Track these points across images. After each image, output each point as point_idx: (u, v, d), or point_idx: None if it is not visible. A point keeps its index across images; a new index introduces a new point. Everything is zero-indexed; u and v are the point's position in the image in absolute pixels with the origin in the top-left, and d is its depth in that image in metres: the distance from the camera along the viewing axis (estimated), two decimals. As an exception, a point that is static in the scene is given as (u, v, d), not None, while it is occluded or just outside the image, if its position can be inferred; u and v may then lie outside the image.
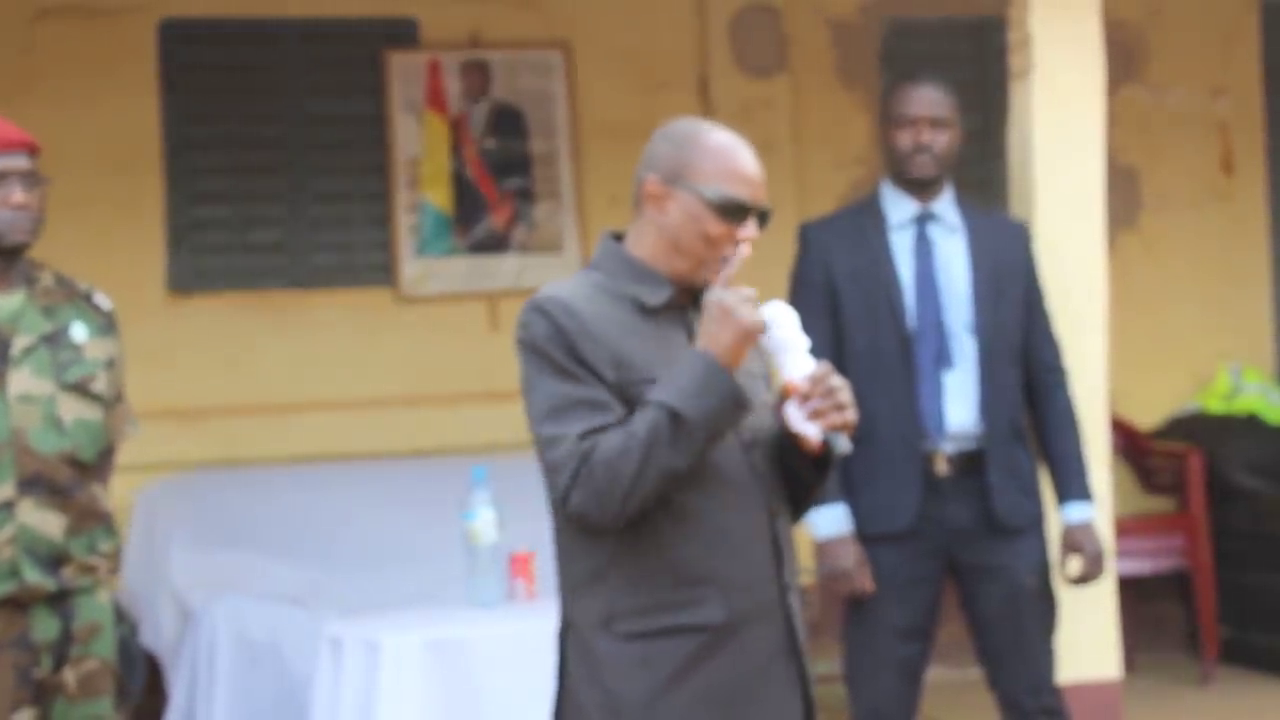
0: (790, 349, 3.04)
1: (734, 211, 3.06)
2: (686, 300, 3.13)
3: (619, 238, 3.17)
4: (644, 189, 3.11)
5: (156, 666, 6.44)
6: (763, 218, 3.10)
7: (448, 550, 5.65)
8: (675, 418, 2.91)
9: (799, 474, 3.15)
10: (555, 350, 2.98)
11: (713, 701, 3.01)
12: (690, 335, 3.09)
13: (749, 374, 3.10)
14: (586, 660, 3.04)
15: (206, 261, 7.33)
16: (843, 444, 3.02)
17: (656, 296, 3.08)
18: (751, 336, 2.98)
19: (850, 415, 3.01)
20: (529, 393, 3.02)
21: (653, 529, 2.99)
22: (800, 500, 3.20)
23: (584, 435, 2.94)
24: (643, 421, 2.93)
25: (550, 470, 2.98)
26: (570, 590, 3.08)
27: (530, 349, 3.01)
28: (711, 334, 2.97)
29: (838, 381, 3.01)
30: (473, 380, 7.43)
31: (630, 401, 2.98)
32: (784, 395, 3.06)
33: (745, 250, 3.07)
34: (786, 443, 3.11)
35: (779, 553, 3.10)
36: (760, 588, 3.07)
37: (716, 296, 2.99)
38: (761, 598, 3.07)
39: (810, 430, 3.03)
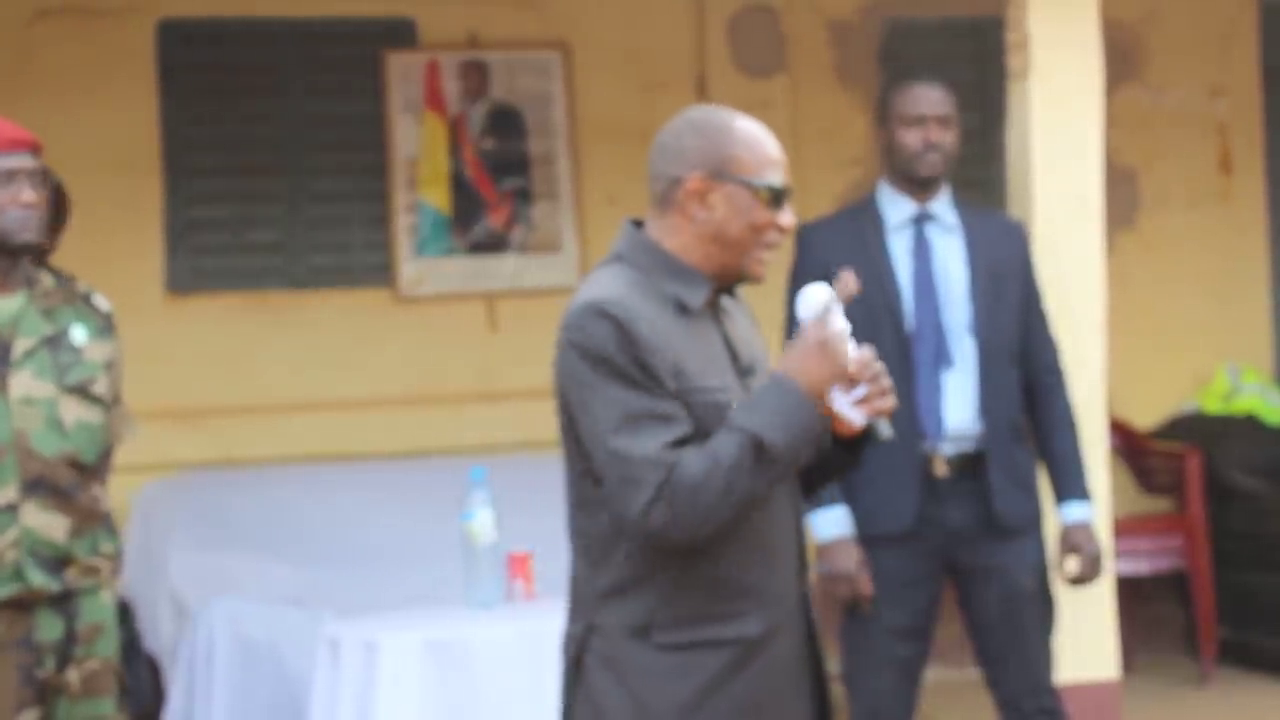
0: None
1: (778, 198, 3.06)
2: (714, 297, 3.10)
3: (637, 225, 3.11)
4: (685, 187, 3.04)
5: (155, 666, 6.43)
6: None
7: (446, 550, 5.65)
8: (760, 447, 2.88)
9: (827, 460, 3.13)
10: (621, 358, 2.91)
11: (742, 712, 2.99)
12: (723, 333, 3.07)
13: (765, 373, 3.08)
14: (614, 667, 2.98)
15: (205, 262, 7.33)
16: (885, 429, 3.05)
17: (697, 297, 3.03)
18: (843, 378, 2.97)
19: (891, 401, 3.02)
20: (590, 400, 2.93)
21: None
22: (812, 489, 3.19)
23: (666, 449, 2.88)
24: (727, 446, 2.89)
25: (624, 484, 2.89)
26: (598, 595, 3.00)
27: (591, 356, 2.92)
28: (805, 367, 2.94)
29: (880, 366, 3.02)
30: (471, 380, 7.43)
31: (686, 409, 2.94)
32: None
33: (851, 284, 3.07)
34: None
35: (802, 560, 3.10)
36: (788, 597, 3.06)
37: (818, 333, 2.97)
38: (789, 607, 3.06)
39: (855, 416, 3.03)
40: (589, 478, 2.99)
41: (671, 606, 2.96)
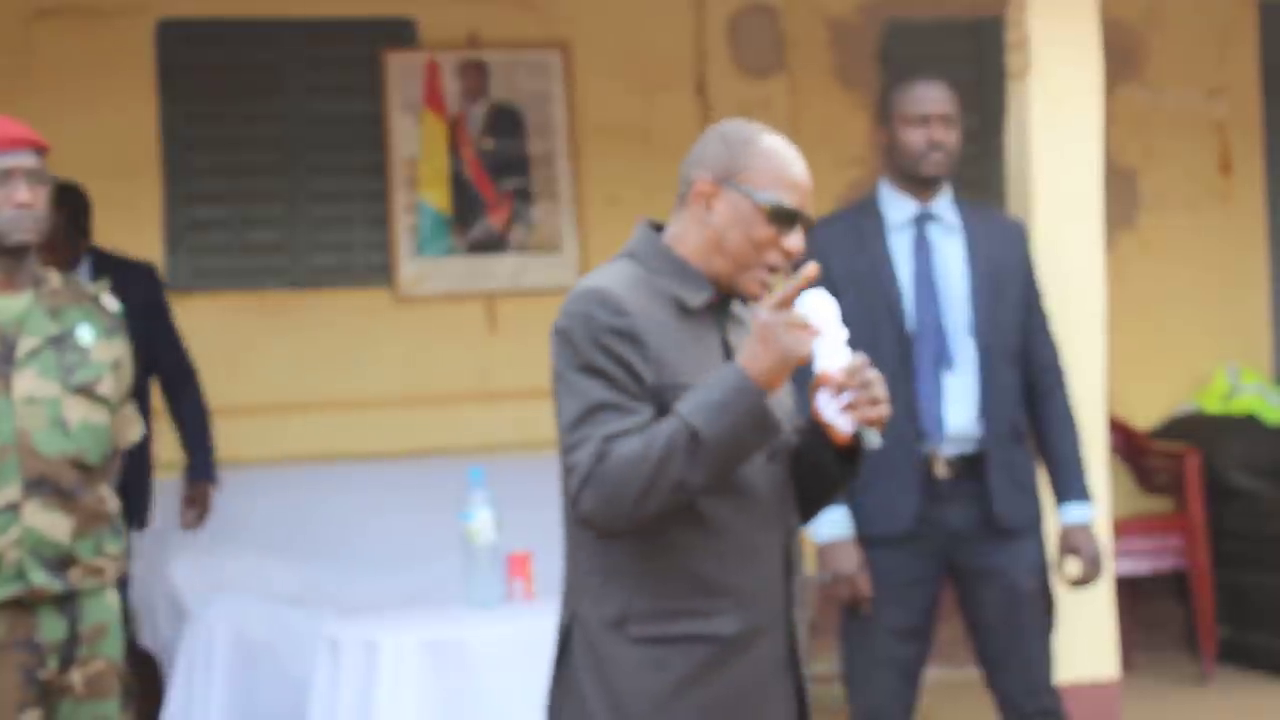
0: (827, 338, 2.96)
1: (783, 218, 3.03)
2: (719, 300, 3.08)
3: (657, 228, 3.12)
4: (694, 187, 3.06)
5: (154, 666, 6.43)
6: (806, 227, 3.07)
7: (445, 550, 5.66)
8: (694, 433, 2.86)
9: (824, 469, 3.10)
10: (591, 347, 2.93)
11: (718, 710, 2.99)
12: (723, 337, 3.07)
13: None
14: (593, 657, 3.00)
15: (205, 261, 7.33)
16: (873, 438, 2.98)
17: (697, 298, 3.04)
18: (793, 364, 2.90)
19: (883, 410, 2.96)
20: (560, 386, 2.97)
21: (673, 534, 2.96)
22: (815, 500, 3.16)
23: (607, 439, 2.89)
24: (662, 431, 2.88)
25: (567, 470, 2.94)
26: (580, 586, 3.03)
27: (572, 341, 2.95)
28: (753, 354, 2.89)
29: (873, 375, 2.97)
30: (470, 380, 7.44)
31: (664, 405, 2.93)
32: (817, 384, 3.00)
33: (810, 269, 2.95)
34: (814, 437, 3.07)
35: (789, 564, 3.08)
36: (770, 600, 3.05)
37: (764, 317, 2.91)
38: (770, 610, 3.05)
39: (842, 423, 2.99)
40: None
41: (647, 600, 2.97)
